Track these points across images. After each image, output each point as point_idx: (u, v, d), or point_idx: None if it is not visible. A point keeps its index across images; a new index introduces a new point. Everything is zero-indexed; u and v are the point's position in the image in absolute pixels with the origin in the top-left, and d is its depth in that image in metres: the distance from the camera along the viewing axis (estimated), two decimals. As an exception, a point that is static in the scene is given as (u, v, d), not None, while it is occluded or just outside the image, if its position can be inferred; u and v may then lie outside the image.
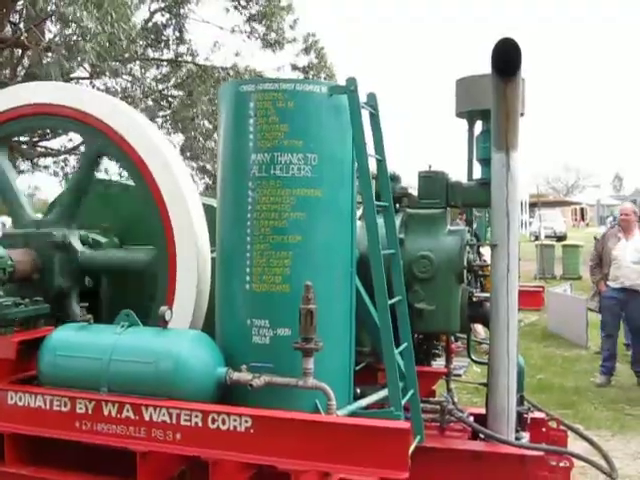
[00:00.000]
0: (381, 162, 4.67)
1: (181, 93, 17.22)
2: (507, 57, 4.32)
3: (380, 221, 4.61)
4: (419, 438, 4.69)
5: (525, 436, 5.23)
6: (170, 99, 17.72)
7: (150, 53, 16.48)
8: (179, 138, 18.82)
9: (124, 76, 15.98)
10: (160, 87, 17.64)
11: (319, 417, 3.88)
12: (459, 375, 5.89)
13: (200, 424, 3.97)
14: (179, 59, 16.54)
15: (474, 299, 5.23)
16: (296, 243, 4.28)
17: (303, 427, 3.81)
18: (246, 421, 3.90)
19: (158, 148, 4.99)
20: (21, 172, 19.54)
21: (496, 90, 4.52)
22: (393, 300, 4.58)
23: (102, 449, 4.23)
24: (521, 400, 5.38)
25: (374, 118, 4.69)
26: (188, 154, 18.54)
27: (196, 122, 17.01)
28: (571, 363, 11.32)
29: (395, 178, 5.46)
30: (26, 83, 5.89)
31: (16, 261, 4.85)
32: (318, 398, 4.16)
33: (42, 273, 5.09)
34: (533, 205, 33.16)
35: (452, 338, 5.63)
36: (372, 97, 4.75)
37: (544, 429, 5.57)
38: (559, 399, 7.78)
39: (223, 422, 3.94)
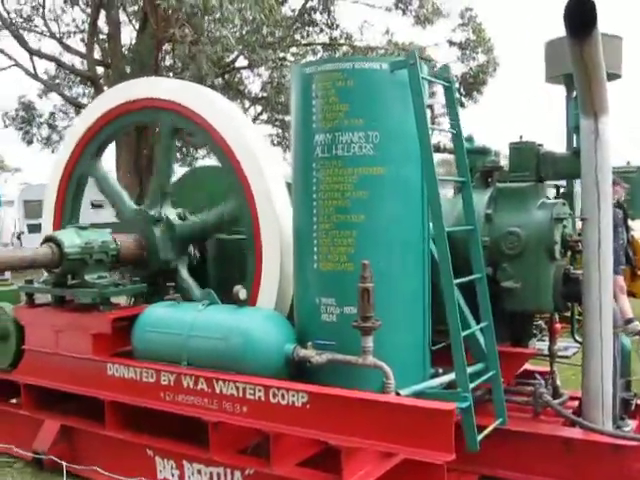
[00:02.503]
0: (457, 135, 4.52)
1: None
2: (581, 15, 4.00)
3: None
4: (501, 420, 4.54)
5: (630, 424, 4.84)
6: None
7: (303, 39, 16.85)
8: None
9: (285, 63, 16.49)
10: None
11: (367, 395, 3.87)
12: (567, 357, 5.52)
13: (263, 398, 4.14)
14: (333, 42, 16.74)
15: (571, 276, 4.89)
16: (359, 222, 4.28)
17: (352, 405, 3.85)
18: (303, 397, 4.00)
19: (244, 137, 5.16)
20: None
21: (572, 52, 4.20)
22: (467, 278, 4.45)
23: (185, 419, 4.52)
24: (627, 385, 4.98)
25: (448, 91, 4.54)
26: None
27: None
28: None
29: (485, 151, 5.24)
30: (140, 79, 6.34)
31: (121, 244, 5.27)
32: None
33: (148, 251, 5.48)
34: None
35: (556, 317, 5.31)
36: (445, 69, 4.61)
37: (659, 418, 5.11)
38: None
39: (283, 397, 4.07)
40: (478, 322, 4.57)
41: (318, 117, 4.36)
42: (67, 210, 6.03)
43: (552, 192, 5.41)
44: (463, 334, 4.18)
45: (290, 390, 4.04)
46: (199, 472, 4.44)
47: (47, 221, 6.15)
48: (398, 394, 4.08)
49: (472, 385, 4.25)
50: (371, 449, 3.84)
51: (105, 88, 16.50)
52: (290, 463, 4.16)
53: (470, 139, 5.25)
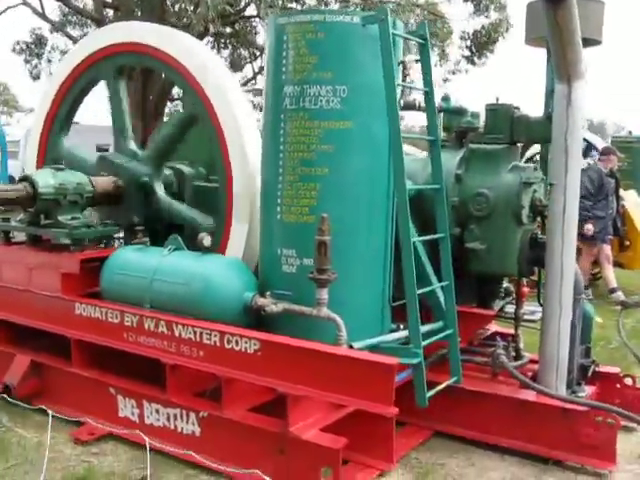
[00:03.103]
0: (429, 93, 4.50)
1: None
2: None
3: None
4: (455, 379, 4.62)
5: (586, 390, 4.90)
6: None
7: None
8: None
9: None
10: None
11: (313, 345, 3.94)
12: (533, 321, 5.55)
13: (218, 344, 4.23)
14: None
15: (538, 241, 4.90)
16: (323, 175, 4.31)
17: (300, 354, 3.93)
18: (255, 344, 4.09)
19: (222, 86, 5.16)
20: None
21: (547, 16, 4.14)
22: (429, 237, 4.49)
23: (151, 360, 4.62)
24: (587, 352, 5.03)
25: (423, 48, 4.51)
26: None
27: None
28: None
29: (461, 111, 5.20)
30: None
31: (98, 188, 5.32)
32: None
33: (123, 204, 5.55)
34: None
35: (524, 281, 5.33)
36: (422, 26, 4.57)
37: (618, 385, 5.17)
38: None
39: (236, 343, 4.16)
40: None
41: (288, 69, 4.35)
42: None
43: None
44: (419, 292, 4.23)
45: (244, 337, 4.13)
46: (157, 412, 4.55)
47: (31, 160, 6.21)
48: (351, 347, 4.16)
49: (427, 342, 4.32)
50: (319, 399, 3.92)
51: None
52: (242, 408, 4.26)
53: (447, 99, 5.22)
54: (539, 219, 5.02)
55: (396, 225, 4.55)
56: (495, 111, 4.99)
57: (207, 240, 4.61)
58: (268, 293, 4.38)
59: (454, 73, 17.72)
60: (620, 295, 9.07)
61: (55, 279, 5.00)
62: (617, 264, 9.66)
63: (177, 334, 4.40)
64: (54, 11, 18.19)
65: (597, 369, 5.16)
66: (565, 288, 4.58)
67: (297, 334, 4.18)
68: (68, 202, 5.08)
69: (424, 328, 4.49)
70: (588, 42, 4.68)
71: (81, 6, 17.34)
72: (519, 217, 4.81)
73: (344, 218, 4.30)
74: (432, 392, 4.27)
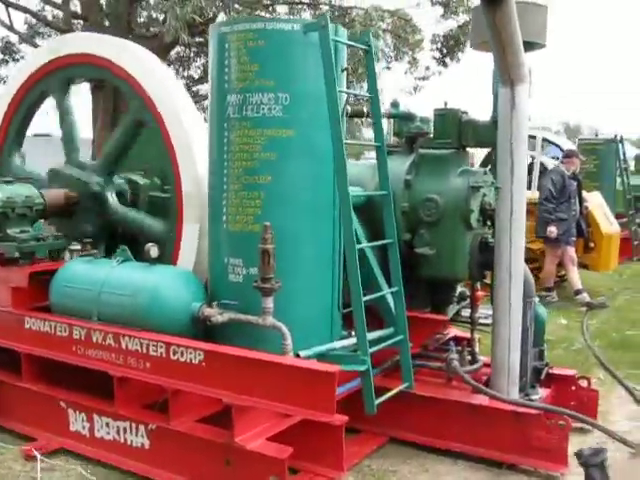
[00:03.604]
0: (374, 99, 4.51)
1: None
2: (491, -18, 3.96)
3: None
4: (407, 384, 4.61)
5: (540, 393, 4.91)
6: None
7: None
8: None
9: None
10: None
11: (256, 355, 3.92)
12: (488, 324, 5.57)
13: (164, 355, 4.19)
14: (312, 1, 16.48)
15: (489, 245, 4.92)
16: (266, 184, 4.29)
17: (243, 363, 3.91)
18: (199, 354, 4.06)
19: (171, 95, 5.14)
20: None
21: (486, 19, 4.17)
22: (374, 243, 4.50)
23: (98, 374, 4.58)
24: (540, 355, 5.04)
25: (368, 55, 4.52)
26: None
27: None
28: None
29: (410, 117, 5.22)
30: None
31: (48, 200, 5.28)
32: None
33: (76, 216, 5.50)
34: None
35: (478, 285, 5.34)
36: (367, 33, 4.59)
37: (574, 387, 5.18)
38: (636, 358, 7.06)
39: (182, 354, 4.12)
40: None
41: (231, 77, 4.34)
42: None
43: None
44: (366, 298, 4.22)
45: (188, 348, 4.09)
46: (107, 425, 4.50)
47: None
48: (298, 355, 4.14)
49: (375, 348, 4.32)
50: (263, 408, 3.89)
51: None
52: (190, 419, 4.23)
53: (396, 104, 5.24)
54: (489, 223, 5.04)
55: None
56: (443, 116, 5.01)
57: (154, 251, 4.58)
58: (215, 303, 4.36)
59: (424, 79, 17.72)
60: (585, 297, 9.12)
61: (5, 293, 4.95)
62: (582, 266, 9.71)
63: (124, 346, 4.36)
64: (22, 22, 18.09)
65: (551, 371, 5.18)
66: (514, 291, 4.60)
67: (246, 344, 4.15)
68: (17, 215, 5.03)
69: (375, 334, 4.50)
70: (532, 46, 4.72)
71: (50, 17, 17.23)
72: (468, 221, 4.82)
73: (289, 226, 4.29)
74: (381, 399, 4.25)
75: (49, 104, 6.21)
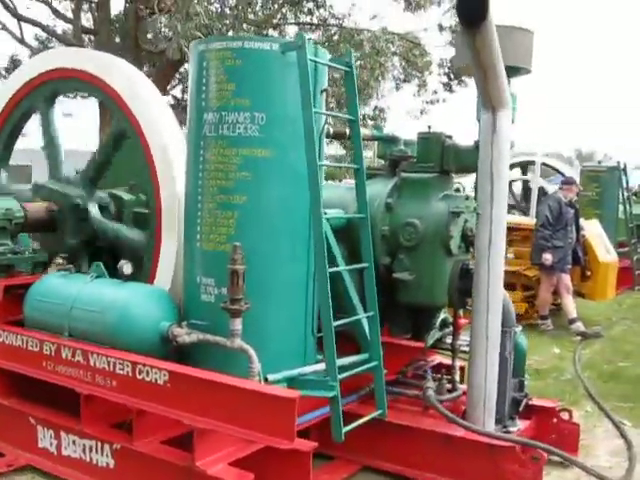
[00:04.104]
0: (354, 122, 4.45)
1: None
2: (471, 5, 3.91)
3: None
4: (380, 412, 4.51)
5: (519, 425, 4.80)
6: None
7: (291, 18, 16.65)
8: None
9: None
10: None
11: (218, 378, 3.84)
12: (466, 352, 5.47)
13: (130, 374, 4.12)
14: (321, 22, 16.54)
15: (470, 271, 4.83)
16: (241, 203, 4.24)
17: (205, 386, 3.83)
18: (164, 375, 3.99)
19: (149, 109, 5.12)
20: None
21: (467, 43, 4.12)
22: (351, 267, 4.42)
23: (68, 390, 4.52)
24: (520, 385, 4.93)
25: (349, 76, 4.47)
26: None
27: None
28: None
29: (394, 139, 5.17)
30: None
31: (29, 211, 5.25)
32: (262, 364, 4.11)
33: (60, 229, 5.47)
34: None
35: (460, 312, 5.25)
36: (349, 54, 4.54)
37: (555, 420, 5.07)
38: (626, 391, 6.91)
39: (147, 374, 4.06)
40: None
41: (208, 95, 4.31)
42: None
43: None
44: (337, 323, 4.13)
45: (154, 368, 4.03)
46: (74, 443, 4.44)
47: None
48: (266, 379, 4.06)
49: (347, 374, 4.23)
50: (223, 432, 3.81)
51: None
52: (155, 440, 4.15)
53: (378, 127, 5.22)
54: (472, 249, 4.96)
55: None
56: (426, 139, 4.96)
57: (127, 267, 4.53)
58: (184, 323, 4.30)
59: (432, 103, 17.73)
60: (580, 326, 8.98)
61: (-21, 306, 4.91)
62: (578, 294, 9.58)
63: (92, 363, 4.30)
64: (32, 36, 18.28)
65: (532, 403, 5.07)
66: (492, 321, 4.51)
67: (216, 367, 4.07)
68: (-5, 228, 5.01)
69: (348, 360, 4.42)
70: (517, 71, 4.66)
71: (60, 32, 17.41)
72: (448, 247, 4.75)
73: (262, 247, 4.24)
74: (349, 427, 4.15)
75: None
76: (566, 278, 8.95)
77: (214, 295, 4.31)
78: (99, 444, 4.30)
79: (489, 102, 4.36)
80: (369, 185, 5.12)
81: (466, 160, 4.78)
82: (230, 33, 14.91)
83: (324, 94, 4.47)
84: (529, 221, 9.42)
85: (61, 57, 5.64)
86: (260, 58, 4.19)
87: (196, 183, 4.38)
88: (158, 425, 4.18)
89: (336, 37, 16.25)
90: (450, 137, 4.97)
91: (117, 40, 15.50)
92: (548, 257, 8.72)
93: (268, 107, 4.22)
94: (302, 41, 4.07)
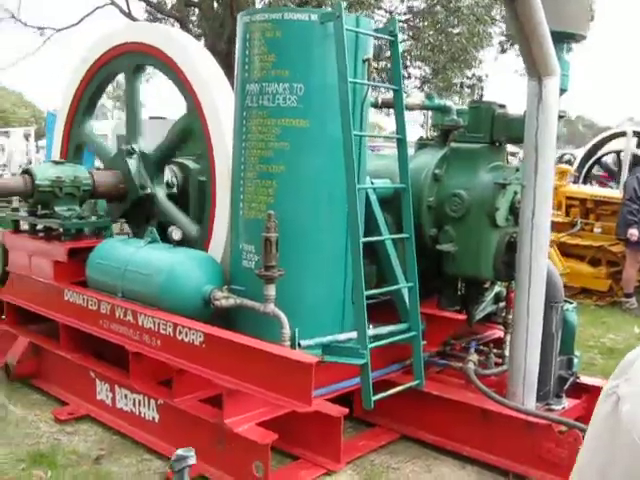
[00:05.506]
0: (397, 92, 4.43)
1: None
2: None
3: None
4: (418, 382, 4.53)
5: (564, 403, 4.67)
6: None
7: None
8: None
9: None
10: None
11: (247, 341, 3.97)
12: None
13: (172, 334, 4.34)
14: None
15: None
16: (279, 173, 4.34)
17: (235, 348, 3.98)
18: (200, 336, 4.17)
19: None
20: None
21: (507, 10, 3.99)
22: (375, 238, 4.43)
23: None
24: (569, 363, 4.78)
25: (393, 45, 4.44)
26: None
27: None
28: None
29: (446, 109, 5.07)
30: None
31: (97, 179, 5.56)
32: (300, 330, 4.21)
33: (125, 180, 5.71)
34: None
35: (512, 286, 5.12)
36: (393, 22, 4.50)
37: (607, 400, 4.88)
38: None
39: (186, 335, 4.26)
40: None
41: (250, 67, 4.41)
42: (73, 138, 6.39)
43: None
44: (368, 293, 4.15)
45: (192, 329, 4.22)
46: (126, 397, 4.73)
47: (57, 148, 6.53)
48: (299, 345, 4.17)
49: (381, 343, 4.27)
50: (248, 393, 3.95)
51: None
52: (194, 398, 4.36)
53: (430, 96, 5.11)
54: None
55: (367, 224, 4.54)
56: (477, 109, 4.84)
57: (176, 234, 4.74)
58: (225, 287, 4.46)
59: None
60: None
61: (49, 267, 5.29)
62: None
63: (140, 323, 4.55)
64: (140, 10, 18.93)
65: (584, 382, 4.91)
66: (534, 295, 4.38)
67: (252, 331, 4.23)
68: (64, 194, 5.33)
69: (387, 328, 4.46)
70: (571, 37, 4.46)
71: (166, 4, 17.94)
72: (493, 219, 4.64)
73: (300, 216, 4.32)
74: (380, 395, 4.20)
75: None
76: None
77: (254, 262, 4.45)
78: (146, 399, 4.56)
79: (534, 70, 4.20)
80: (419, 155, 5.11)
81: (516, 130, 4.62)
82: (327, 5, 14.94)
83: (366, 64, 4.46)
84: (619, 195, 8.95)
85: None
86: (299, 29, 4.24)
87: (240, 153, 4.51)
88: (198, 384, 4.38)
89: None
90: (503, 106, 4.82)
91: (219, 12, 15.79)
92: (634, 232, 8.29)
93: (307, 78, 4.26)
94: (340, 12, 4.07)
